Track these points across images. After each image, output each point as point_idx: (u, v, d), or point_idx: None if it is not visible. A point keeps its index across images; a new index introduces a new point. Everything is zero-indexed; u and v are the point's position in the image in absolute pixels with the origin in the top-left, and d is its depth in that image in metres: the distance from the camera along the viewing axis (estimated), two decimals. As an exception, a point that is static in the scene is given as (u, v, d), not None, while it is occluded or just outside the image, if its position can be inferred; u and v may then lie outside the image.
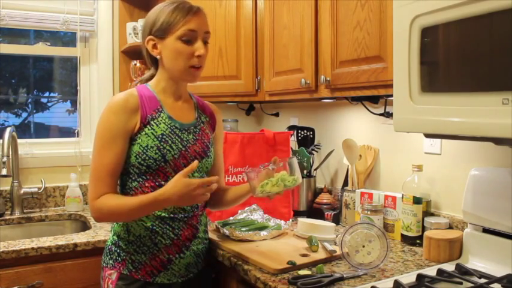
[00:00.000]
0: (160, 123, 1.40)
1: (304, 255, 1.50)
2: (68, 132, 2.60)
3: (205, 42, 1.43)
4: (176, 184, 1.29)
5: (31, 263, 1.72)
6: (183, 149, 1.42)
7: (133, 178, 1.40)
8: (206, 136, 1.52)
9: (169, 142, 1.40)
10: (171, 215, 1.41)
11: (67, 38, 2.58)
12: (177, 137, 1.42)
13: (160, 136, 1.39)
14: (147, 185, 1.39)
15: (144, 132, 1.38)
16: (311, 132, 2.24)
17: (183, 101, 1.50)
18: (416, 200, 1.60)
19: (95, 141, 1.38)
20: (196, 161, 1.34)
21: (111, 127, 1.35)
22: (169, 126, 1.42)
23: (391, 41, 1.30)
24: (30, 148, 2.36)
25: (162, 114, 1.42)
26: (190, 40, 1.39)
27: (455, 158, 1.64)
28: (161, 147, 1.38)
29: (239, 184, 1.67)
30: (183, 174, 1.30)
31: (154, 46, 1.43)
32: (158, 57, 1.44)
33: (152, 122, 1.39)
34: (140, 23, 2.36)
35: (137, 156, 1.37)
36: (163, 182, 1.38)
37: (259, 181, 1.40)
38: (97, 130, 1.38)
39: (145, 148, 1.37)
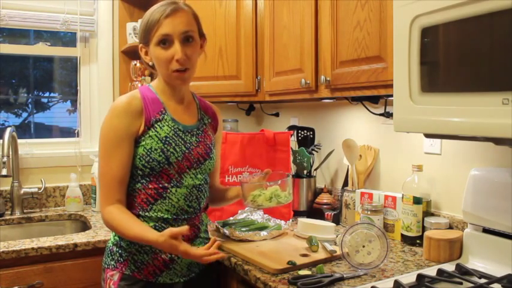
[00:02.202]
0: (164, 126, 1.40)
1: (304, 255, 1.50)
2: (68, 132, 2.60)
3: (186, 41, 1.38)
4: (163, 243, 1.26)
5: (31, 263, 1.72)
6: (187, 151, 1.42)
7: (137, 180, 1.40)
8: (208, 138, 1.52)
9: (173, 144, 1.40)
10: (174, 216, 1.41)
11: (67, 38, 2.58)
12: (180, 139, 1.42)
13: (164, 138, 1.39)
14: (150, 186, 1.39)
15: (148, 135, 1.38)
16: (311, 132, 2.24)
17: (185, 103, 1.50)
18: (417, 200, 1.60)
19: (100, 147, 1.38)
20: (187, 227, 1.29)
21: (116, 131, 1.35)
22: (172, 128, 1.42)
23: (391, 41, 1.30)
24: (30, 148, 2.36)
25: (165, 117, 1.42)
26: (168, 44, 1.36)
27: (455, 158, 1.64)
28: (165, 149, 1.38)
29: (239, 184, 1.68)
30: (170, 235, 1.25)
31: (146, 53, 1.44)
32: (151, 63, 1.45)
33: (156, 125, 1.39)
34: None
35: (141, 159, 1.37)
36: (166, 184, 1.39)
37: (249, 190, 1.44)
38: (101, 135, 1.38)
39: (149, 150, 1.37)
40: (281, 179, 1.46)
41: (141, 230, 1.33)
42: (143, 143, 1.37)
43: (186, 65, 1.38)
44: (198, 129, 1.50)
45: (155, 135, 1.38)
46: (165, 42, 1.36)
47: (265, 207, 1.44)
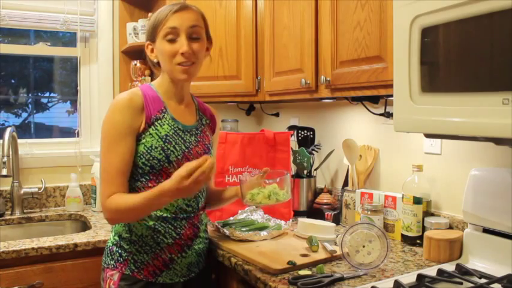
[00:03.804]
0: (164, 124, 1.40)
1: (304, 255, 1.50)
2: (68, 132, 2.60)
3: (193, 38, 1.40)
4: (171, 180, 1.24)
5: (31, 263, 1.72)
6: (186, 150, 1.43)
7: (136, 178, 1.40)
8: (207, 138, 1.53)
9: (173, 143, 1.40)
10: (173, 215, 1.41)
11: (67, 38, 2.58)
12: (180, 139, 1.42)
13: (164, 137, 1.39)
14: (150, 185, 1.39)
15: (148, 133, 1.38)
16: (311, 132, 2.24)
17: (185, 104, 1.51)
18: (417, 200, 1.60)
19: (101, 141, 1.37)
20: (205, 158, 1.23)
21: (118, 125, 1.35)
22: (172, 127, 1.42)
23: (391, 41, 1.30)
24: (31, 148, 2.36)
25: (166, 115, 1.42)
26: (173, 38, 1.38)
27: (455, 158, 1.64)
28: (165, 148, 1.38)
29: (239, 184, 1.68)
30: (181, 170, 1.23)
31: (152, 50, 1.45)
32: (155, 60, 1.45)
33: (156, 123, 1.39)
34: (140, 23, 2.37)
35: (141, 157, 1.37)
36: None
37: (248, 188, 1.43)
38: (103, 130, 1.37)
39: (150, 148, 1.37)
40: (279, 177, 1.45)
41: (151, 190, 1.29)
42: (143, 140, 1.37)
43: (192, 59, 1.39)
44: (197, 129, 1.50)
45: (155, 133, 1.38)
46: (172, 35, 1.37)
47: (263, 205, 1.44)
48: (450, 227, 1.60)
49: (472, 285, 1.21)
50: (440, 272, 1.30)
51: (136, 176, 1.40)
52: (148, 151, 1.37)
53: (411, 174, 1.66)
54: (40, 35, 2.51)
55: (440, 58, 1.13)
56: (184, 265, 1.46)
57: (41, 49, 2.49)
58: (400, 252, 1.56)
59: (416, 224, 1.61)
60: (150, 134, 1.38)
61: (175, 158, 1.39)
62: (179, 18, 1.38)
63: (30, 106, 2.56)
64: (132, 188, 1.40)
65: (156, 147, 1.37)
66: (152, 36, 1.42)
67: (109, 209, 1.33)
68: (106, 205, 1.33)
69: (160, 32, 1.38)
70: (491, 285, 1.20)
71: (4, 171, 2.03)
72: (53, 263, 1.75)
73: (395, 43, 1.23)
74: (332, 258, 1.49)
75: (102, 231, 1.94)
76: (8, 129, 2.14)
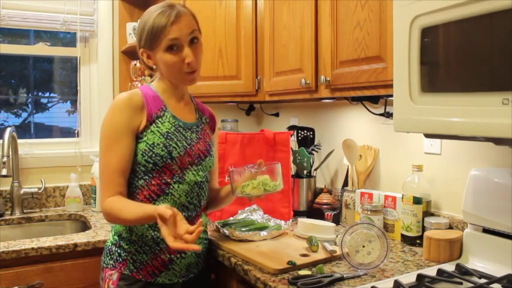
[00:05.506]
0: (165, 122, 1.42)
1: (304, 255, 1.50)
2: (68, 132, 2.60)
3: (193, 41, 1.40)
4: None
5: (31, 263, 1.72)
6: (188, 146, 1.44)
7: (140, 176, 1.40)
8: (207, 136, 1.54)
9: (175, 140, 1.41)
10: (174, 215, 1.42)
11: (67, 39, 2.58)
12: (181, 135, 1.43)
13: (165, 134, 1.40)
14: (153, 182, 1.40)
15: (150, 130, 1.39)
16: (311, 132, 2.24)
17: (184, 103, 1.52)
18: (417, 200, 1.60)
19: (100, 141, 1.39)
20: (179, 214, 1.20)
21: (117, 125, 1.36)
22: (173, 124, 1.43)
23: (391, 41, 1.30)
24: (30, 148, 2.36)
25: (166, 113, 1.43)
26: (176, 48, 1.37)
27: (455, 158, 1.64)
28: (167, 144, 1.39)
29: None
30: (160, 215, 1.17)
31: (149, 57, 1.44)
32: (154, 66, 1.46)
33: (157, 120, 1.41)
34: (140, 23, 2.37)
35: (144, 154, 1.38)
36: (169, 180, 1.40)
37: (242, 181, 1.43)
38: (102, 130, 1.39)
39: (152, 146, 1.38)
40: (267, 166, 1.43)
41: (143, 210, 1.28)
42: (145, 138, 1.38)
43: (196, 67, 1.42)
44: (198, 127, 1.51)
45: (157, 130, 1.39)
46: (174, 47, 1.37)
47: (253, 195, 1.41)
48: (450, 227, 1.60)
49: (472, 285, 1.21)
50: (440, 272, 1.30)
51: (139, 174, 1.40)
52: (151, 148, 1.38)
53: (411, 174, 1.66)
54: (40, 35, 2.51)
55: (440, 58, 1.13)
56: (183, 266, 1.46)
57: (41, 49, 2.49)
58: (400, 252, 1.56)
59: (416, 224, 1.61)
60: (152, 131, 1.39)
61: (177, 154, 1.40)
62: (178, 27, 1.36)
63: (30, 106, 2.56)
64: (136, 187, 1.41)
65: (158, 144, 1.38)
66: (150, 45, 1.39)
67: (105, 211, 1.35)
68: (103, 206, 1.35)
69: (161, 43, 1.36)
70: (491, 285, 1.20)
71: (4, 171, 2.03)
72: (53, 263, 1.76)
73: (395, 43, 1.23)
74: (332, 258, 1.49)
75: (102, 231, 1.94)
76: (8, 129, 2.14)
